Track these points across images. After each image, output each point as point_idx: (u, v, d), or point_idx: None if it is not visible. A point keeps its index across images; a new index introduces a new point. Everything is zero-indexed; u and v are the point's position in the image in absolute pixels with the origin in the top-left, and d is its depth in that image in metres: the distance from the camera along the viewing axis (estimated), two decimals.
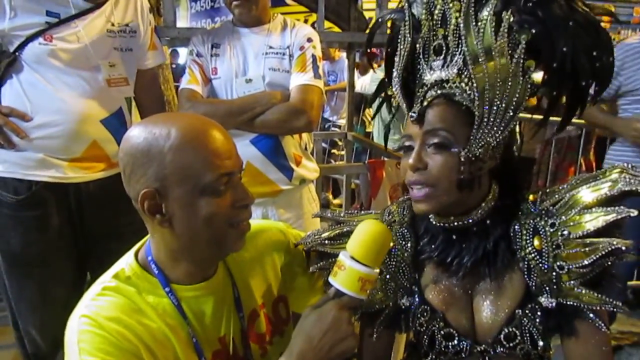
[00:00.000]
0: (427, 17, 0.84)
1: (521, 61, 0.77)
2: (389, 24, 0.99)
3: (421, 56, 0.85)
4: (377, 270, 0.81)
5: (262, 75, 1.61)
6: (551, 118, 0.87)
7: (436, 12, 0.83)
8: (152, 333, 0.81)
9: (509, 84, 0.77)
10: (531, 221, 0.86)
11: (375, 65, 5.21)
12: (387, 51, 0.95)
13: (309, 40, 1.64)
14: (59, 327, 0.83)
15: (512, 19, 0.77)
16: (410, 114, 0.84)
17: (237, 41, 1.64)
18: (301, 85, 1.59)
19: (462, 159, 0.79)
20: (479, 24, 0.78)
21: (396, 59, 0.88)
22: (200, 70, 1.62)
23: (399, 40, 0.87)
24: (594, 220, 0.79)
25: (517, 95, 0.78)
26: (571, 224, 0.82)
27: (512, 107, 0.78)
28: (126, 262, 0.88)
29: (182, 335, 0.84)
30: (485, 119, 0.79)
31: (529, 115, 0.90)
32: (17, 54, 1.36)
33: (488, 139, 0.79)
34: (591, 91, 0.83)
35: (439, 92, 0.81)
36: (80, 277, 1.56)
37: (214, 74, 1.63)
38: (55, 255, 1.47)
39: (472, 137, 0.79)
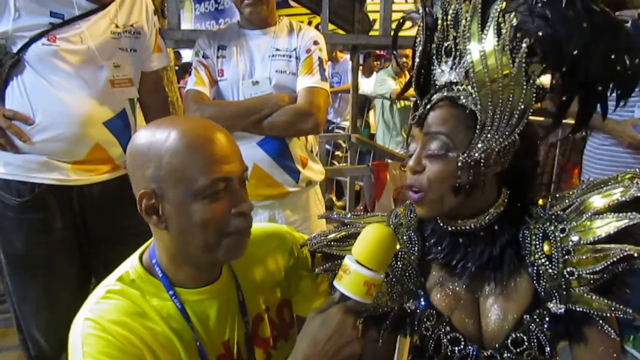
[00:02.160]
0: (443, 17, 0.83)
1: (523, 66, 0.76)
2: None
3: (435, 57, 0.84)
4: (383, 275, 0.80)
5: (268, 78, 1.60)
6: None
7: (450, 12, 0.82)
8: (156, 337, 0.81)
9: (512, 88, 0.76)
10: (541, 226, 0.84)
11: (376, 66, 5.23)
12: (413, 51, 0.94)
13: (315, 43, 1.65)
14: (63, 329, 0.83)
15: (516, 21, 0.75)
16: (412, 116, 0.83)
17: (244, 43, 1.63)
18: (308, 87, 1.60)
19: (460, 164, 0.78)
20: (486, 24, 0.77)
21: (416, 59, 0.87)
22: (206, 71, 1.61)
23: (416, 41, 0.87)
24: (606, 226, 0.78)
25: (522, 100, 0.76)
26: (582, 229, 0.80)
27: (518, 113, 0.77)
28: (130, 265, 0.87)
29: (186, 339, 0.84)
30: (489, 124, 0.77)
31: (540, 119, 0.89)
32: (20, 54, 1.36)
33: (491, 145, 0.78)
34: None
35: (445, 94, 0.81)
36: (84, 279, 1.56)
37: (221, 76, 1.63)
38: (59, 258, 1.47)
39: (472, 142, 0.78)
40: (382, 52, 5.42)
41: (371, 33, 3.22)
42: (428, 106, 0.82)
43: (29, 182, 1.40)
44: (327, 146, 4.53)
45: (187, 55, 5.77)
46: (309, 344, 0.77)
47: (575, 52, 0.75)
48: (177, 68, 3.44)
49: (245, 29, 1.66)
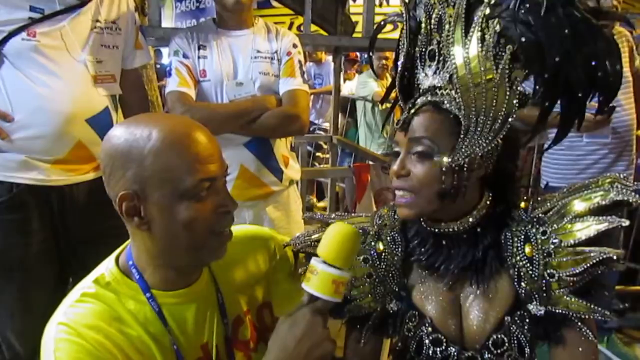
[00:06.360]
0: (426, 21, 0.83)
1: (506, 72, 0.76)
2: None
3: (418, 61, 0.84)
4: (350, 272, 0.80)
5: (252, 79, 1.63)
6: None
7: (434, 16, 0.82)
8: (132, 342, 0.79)
9: (496, 93, 0.76)
10: (522, 228, 0.85)
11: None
12: (396, 54, 0.94)
13: (294, 46, 1.70)
14: (39, 333, 0.80)
15: (499, 28, 0.76)
16: (396, 121, 0.83)
17: (224, 43, 1.65)
18: (292, 89, 1.64)
19: (444, 169, 0.79)
20: (470, 30, 0.77)
21: (399, 62, 0.87)
22: (188, 71, 1.61)
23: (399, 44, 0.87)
24: (586, 229, 0.79)
25: (504, 106, 0.77)
26: (563, 232, 0.81)
27: (501, 118, 0.77)
28: (106, 267, 0.85)
29: (163, 343, 0.82)
30: (472, 129, 0.78)
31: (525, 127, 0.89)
32: None
33: (474, 149, 0.79)
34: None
35: (429, 99, 0.81)
36: (62, 281, 1.52)
37: (203, 77, 1.63)
38: (36, 260, 1.42)
39: (457, 147, 0.79)
40: (355, 56, 5.44)
41: (354, 35, 3.22)
42: (412, 111, 0.82)
43: (7, 181, 1.36)
44: (308, 147, 4.52)
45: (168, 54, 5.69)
46: (280, 348, 0.76)
47: (557, 59, 0.75)
48: (157, 67, 3.39)
49: (223, 28, 1.67)
